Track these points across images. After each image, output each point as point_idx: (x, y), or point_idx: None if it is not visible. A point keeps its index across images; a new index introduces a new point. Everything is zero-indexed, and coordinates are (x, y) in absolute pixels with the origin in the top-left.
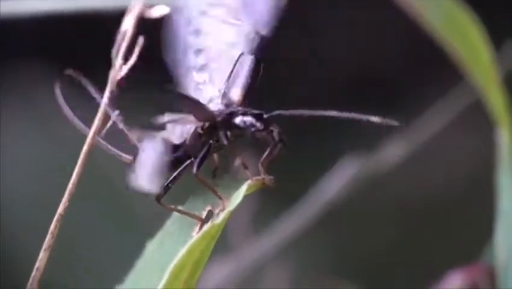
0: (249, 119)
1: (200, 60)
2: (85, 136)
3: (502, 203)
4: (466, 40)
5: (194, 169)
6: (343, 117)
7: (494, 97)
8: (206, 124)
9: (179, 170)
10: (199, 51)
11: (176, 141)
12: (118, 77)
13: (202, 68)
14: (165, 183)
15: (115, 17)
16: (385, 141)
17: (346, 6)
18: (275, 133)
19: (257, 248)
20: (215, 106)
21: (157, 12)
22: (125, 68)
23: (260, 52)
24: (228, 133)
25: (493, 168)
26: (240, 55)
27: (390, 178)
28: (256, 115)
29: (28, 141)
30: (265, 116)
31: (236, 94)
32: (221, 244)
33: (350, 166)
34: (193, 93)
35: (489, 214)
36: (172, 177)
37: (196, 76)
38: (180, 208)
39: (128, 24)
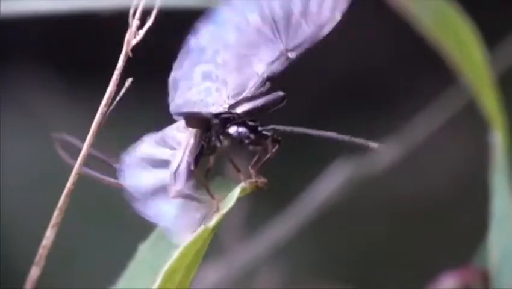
0: (243, 130)
1: (213, 69)
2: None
3: (495, 204)
4: (458, 40)
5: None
6: (337, 139)
7: (488, 98)
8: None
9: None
10: (215, 63)
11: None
12: (134, 41)
13: (211, 76)
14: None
15: (115, 18)
16: (378, 143)
17: None
18: (268, 143)
19: (250, 250)
20: (215, 109)
21: None
22: (142, 33)
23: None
24: (221, 137)
25: (486, 170)
26: (266, 79)
27: (382, 180)
28: (251, 126)
29: (27, 143)
30: (259, 129)
31: (242, 110)
32: (214, 246)
33: (343, 168)
34: (194, 96)
35: (482, 215)
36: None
37: (202, 82)
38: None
39: None
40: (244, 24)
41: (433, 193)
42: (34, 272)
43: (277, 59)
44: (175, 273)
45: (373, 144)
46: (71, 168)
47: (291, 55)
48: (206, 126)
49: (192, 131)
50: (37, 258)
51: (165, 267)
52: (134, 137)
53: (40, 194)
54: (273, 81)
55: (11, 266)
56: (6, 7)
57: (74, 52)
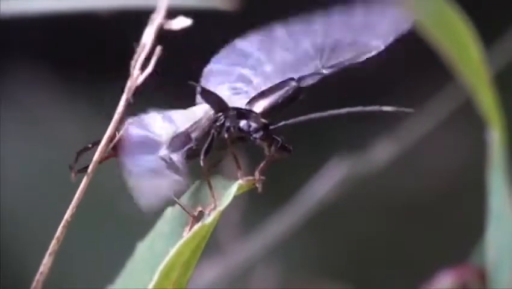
0: (254, 125)
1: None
2: (83, 141)
3: (493, 202)
4: (455, 37)
5: (202, 156)
6: (350, 112)
7: (485, 96)
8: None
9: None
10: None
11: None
12: (135, 86)
13: (246, 79)
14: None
15: (115, 18)
16: (374, 142)
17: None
18: (275, 145)
19: (246, 249)
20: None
21: (178, 24)
22: (142, 78)
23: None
24: (232, 130)
25: (483, 169)
26: (288, 79)
27: (379, 179)
28: (263, 124)
29: (28, 144)
30: (271, 128)
31: (261, 106)
32: (211, 245)
33: (340, 167)
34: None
35: (479, 214)
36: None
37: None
38: (171, 208)
39: (147, 36)
40: (293, 47)
41: (430, 191)
42: None
43: (311, 74)
44: (172, 270)
45: (405, 109)
46: (71, 170)
47: (326, 71)
48: (220, 109)
49: (203, 118)
50: (34, 284)
51: (162, 264)
52: None
53: (39, 193)
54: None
55: (12, 267)
56: (5, 6)
57: (74, 51)
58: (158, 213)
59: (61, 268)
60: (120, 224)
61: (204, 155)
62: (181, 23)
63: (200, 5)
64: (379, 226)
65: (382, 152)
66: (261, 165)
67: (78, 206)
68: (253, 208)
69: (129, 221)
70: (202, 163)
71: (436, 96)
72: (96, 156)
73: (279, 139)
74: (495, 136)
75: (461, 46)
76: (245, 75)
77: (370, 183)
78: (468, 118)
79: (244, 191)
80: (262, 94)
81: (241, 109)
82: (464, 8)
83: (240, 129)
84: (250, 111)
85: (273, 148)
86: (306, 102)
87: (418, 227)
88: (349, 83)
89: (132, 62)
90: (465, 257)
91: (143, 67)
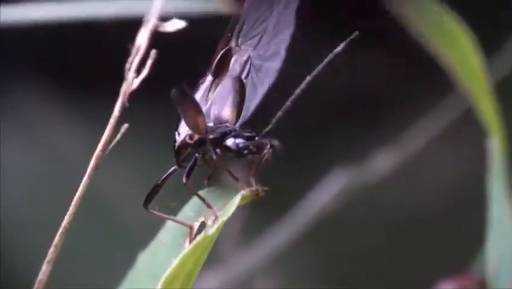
0: (241, 141)
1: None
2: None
3: (493, 211)
4: (456, 47)
5: (184, 179)
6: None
7: (485, 104)
8: (196, 136)
9: (163, 177)
10: None
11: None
12: (130, 90)
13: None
14: (150, 190)
15: (115, 28)
16: (374, 152)
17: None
18: (266, 150)
19: (247, 259)
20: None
21: (172, 26)
22: (137, 82)
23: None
24: (218, 150)
25: (483, 180)
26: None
27: (379, 189)
28: (249, 137)
29: (28, 157)
30: (257, 138)
31: (227, 112)
32: (211, 255)
33: (340, 177)
34: None
35: (479, 224)
36: (156, 184)
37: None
38: (167, 216)
39: (142, 38)
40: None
41: (430, 202)
42: None
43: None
44: (174, 281)
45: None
46: (71, 182)
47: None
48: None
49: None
50: None
51: (165, 274)
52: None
53: (40, 204)
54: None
55: (12, 275)
56: (5, 16)
57: (74, 61)
58: (159, 224)
59: (63, 277)
60: (121, 234)
61: (186, 177)
62: (175, 25)
63: (199, 9)
64: (378, 237)
65: (382, 162)
66: (253, 171)
67: (79, 216)
68: (254, 219)
69: (131, 231)
70: (185, 184)
71: (435, 109)
72: (93, 161)
73: (266, 142)
74: (495, 144)
75: (462, 55)
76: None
77: (369, 195)
78: (468, 128)
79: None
80: (217, 103)
81: (222, 130)
82: (464, 18)
83: (229, 149)
84: (233, 129)
85: (267, 153)
86: (307, 111)
87: (418, 237)
88: (349, 92)
89: (127, 65)
90: (465, 266)
91: (139, 70)
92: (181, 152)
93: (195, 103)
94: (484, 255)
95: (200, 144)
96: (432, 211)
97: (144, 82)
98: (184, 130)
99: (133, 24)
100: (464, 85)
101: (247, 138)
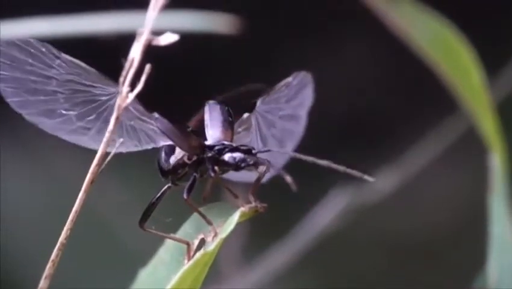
0: (238, 155)
1: None
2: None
3: (494, 228)
4: (458, 65)
5: (185, 195)
6: (331, 168)
7: (487, 122)
8: (194, 157)
9: (157, 195)
10: None
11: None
12: (124, 105)
13: None
14: (145, 209)
15: (115, 42)
16: (375, 173)
17: (333, 42)
18: (267, 168)
19: (248, 279)
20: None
21: (165, 40)
22: (131, 96)
23: None
24: (216, 168)
25: (484, 199)
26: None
27: (380, 209)
28: (246, 150)
29: (27, 179)
30: (254, 152)
31: (220, 131)
32: (212, 274)
33: (340, 198)
34: None
35: (479, 244)
36: (151, 202)
37: None
38: (163, 234)
39: (135, 52)
40: None
41: (431, 222)
42: None
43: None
44: None
45: (368, 177)
46: (69, 201)
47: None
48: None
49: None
50: None
51: None
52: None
53: (41, 228)
54: None
55: None
56: (5, 31)
57: None
58: (159, 240)
59: None
60: (122, 250)
61: (187, 194)
62: (168, 38)
63: (202, 28)
64: (379, 257)
65: (383, 182)
66: (252, 188)
67: (82, 234)
68: (255, 238)
69: (132, 248)
70: (186, 201)
71: (436, 129)
72: (88, 176)
73: (265, 160)
74: (497, 162)
75: (464, 72)
76: None
77: (370, 215)
78: (468, 149)
79: (246, 219)
80: (209, 127)
81: (218, 147)
82: (467, 37)
83: (226, 163)
84: (229, 145)
85: (263, 169)
86: (307, 131)
87: (418, 256)
88: (349, 113)
89: (121, 79)
90: (466, 286)
91: (133, 84)
92: (177, 171)
93: (176, 130)
94: (485, 273)
95: (198, 163)
96: (432, 231)
97: (140, 96)
98: (179, 150)
99: (130, 39)
100: (465, 101)
101: (244, 152)
